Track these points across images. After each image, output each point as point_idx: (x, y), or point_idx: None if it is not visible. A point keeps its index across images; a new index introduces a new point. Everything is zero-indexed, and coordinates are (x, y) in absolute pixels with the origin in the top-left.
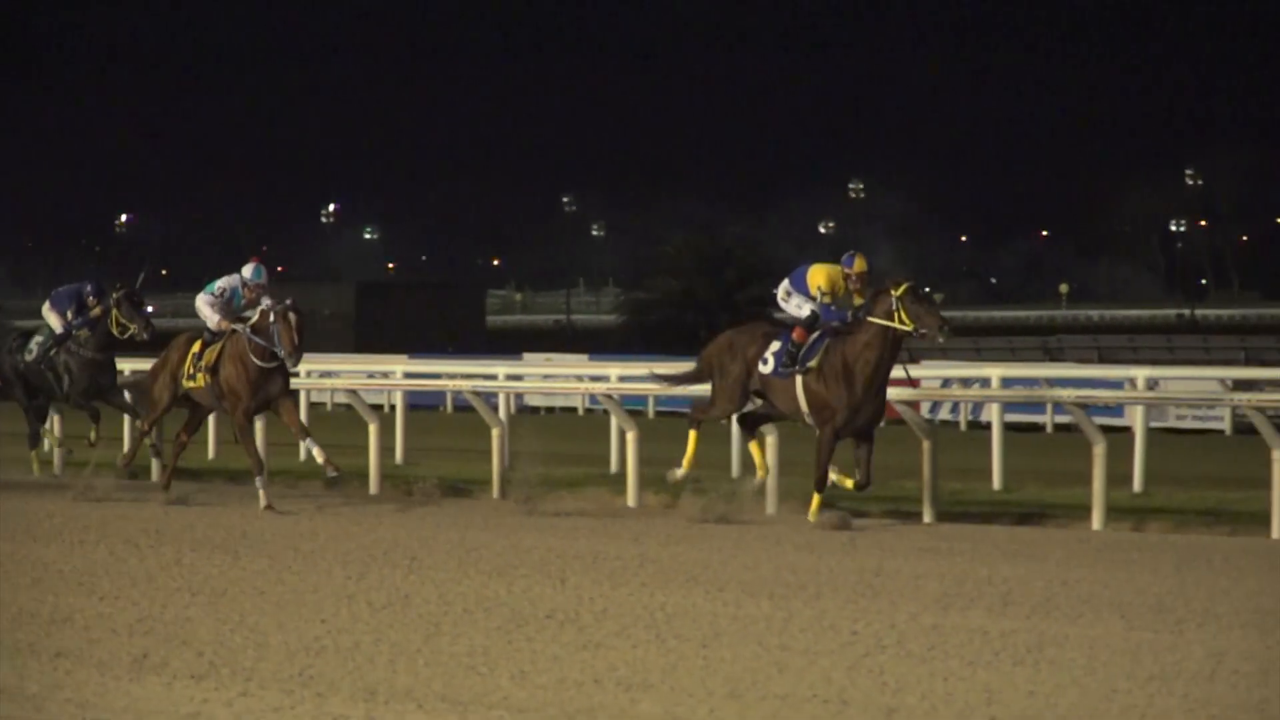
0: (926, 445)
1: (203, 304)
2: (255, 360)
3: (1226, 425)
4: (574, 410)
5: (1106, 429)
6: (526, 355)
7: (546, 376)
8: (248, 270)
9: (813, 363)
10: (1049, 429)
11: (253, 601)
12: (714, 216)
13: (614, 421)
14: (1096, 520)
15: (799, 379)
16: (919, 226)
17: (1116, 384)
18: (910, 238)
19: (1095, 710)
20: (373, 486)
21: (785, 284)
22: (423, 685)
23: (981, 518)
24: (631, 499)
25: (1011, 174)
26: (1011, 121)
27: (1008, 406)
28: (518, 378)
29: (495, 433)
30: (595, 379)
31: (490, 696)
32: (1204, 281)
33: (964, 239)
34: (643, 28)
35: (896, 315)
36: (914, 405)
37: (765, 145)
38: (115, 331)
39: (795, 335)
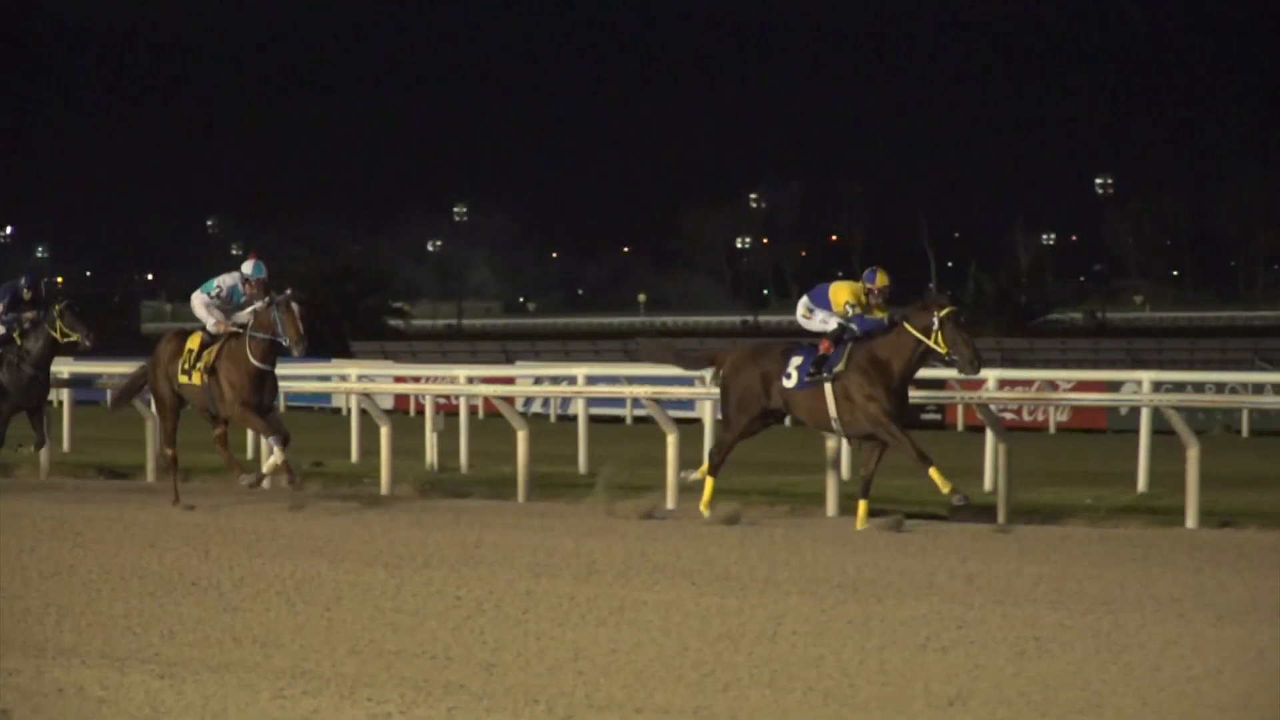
0: (521, 435)
1: (200, 304)
2: (255, 363)
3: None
4: None
5: (680, 421)
6: None
7: None
8: (248, 267)
9: (839, 367)
10: (629, 421)
11: None
12: (337, 237)
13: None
14: (670, 499)
15: (828, 387)
16: (516, 243)
17: (688, 381)
18: (508, 254)
19: (670, 665)
20: (43, 474)
21: (805, 302)
22: (85, 643)
23: (571, 498)
24: (267, 482)
25: (598, 196)
26: (595, 149)
27: (592, 400)
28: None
29: (149, 424)
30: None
31: (144, 653)
32: (766, 291)
33: (555, 255)
34: (264, 70)
35: (934, 335)
36: (509, 400)
37: (382, 174)
38: (59, 338)
39: (823, 347)
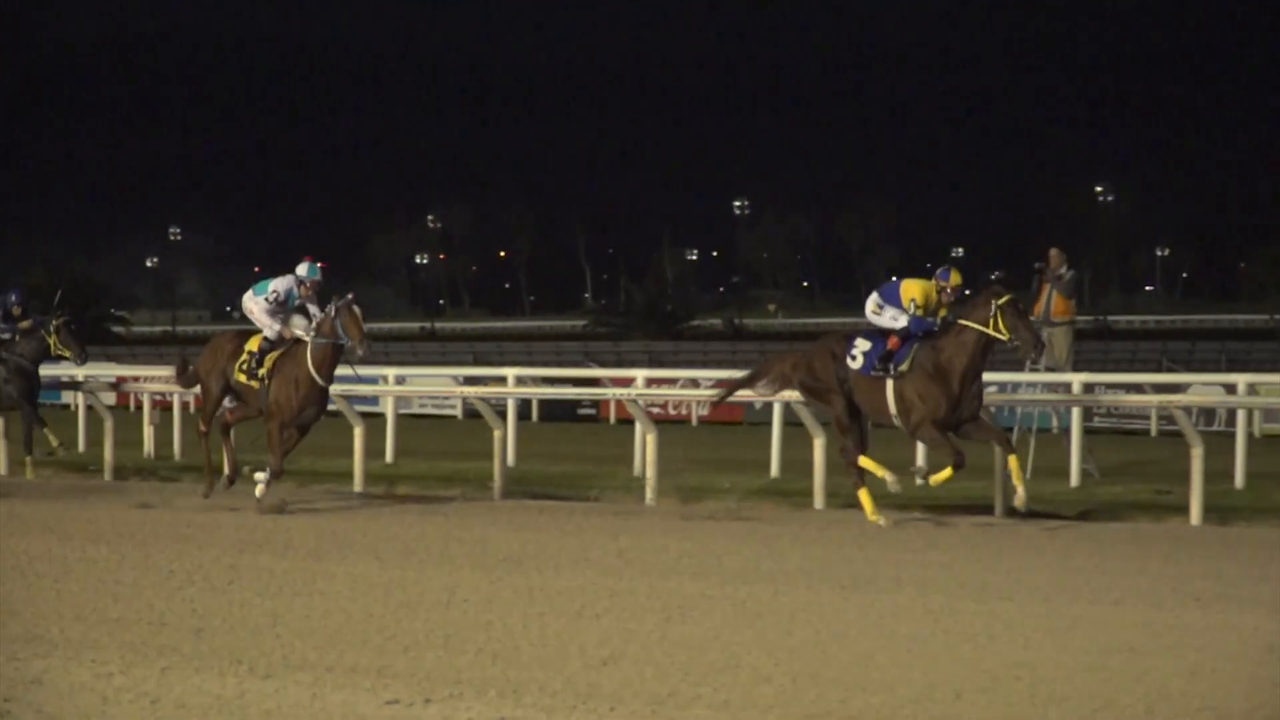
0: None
1: (259, 311)
2: (316, 377)
3: (458, 412)
4: None
5: (366, 415)
6: None
7: None
8: (303, 269)
9: (904, 366)
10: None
11: None
12: (63, 254)
13: None
14: (357, 483)
15: (890, 382)
16: (224, 260)
17: (374, 379)
18: (216, 269)
19: (357, 630)
20: None
21: (875, 298)
22: None
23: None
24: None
25: (294, 218)
26: (291, 175)
27: None
28: None
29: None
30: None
31: None
32: (442, 301)
33: (257, 269)
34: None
35: (993, 323)
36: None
37: (100, 198)
38: (52, 349)
39: (890, 344)
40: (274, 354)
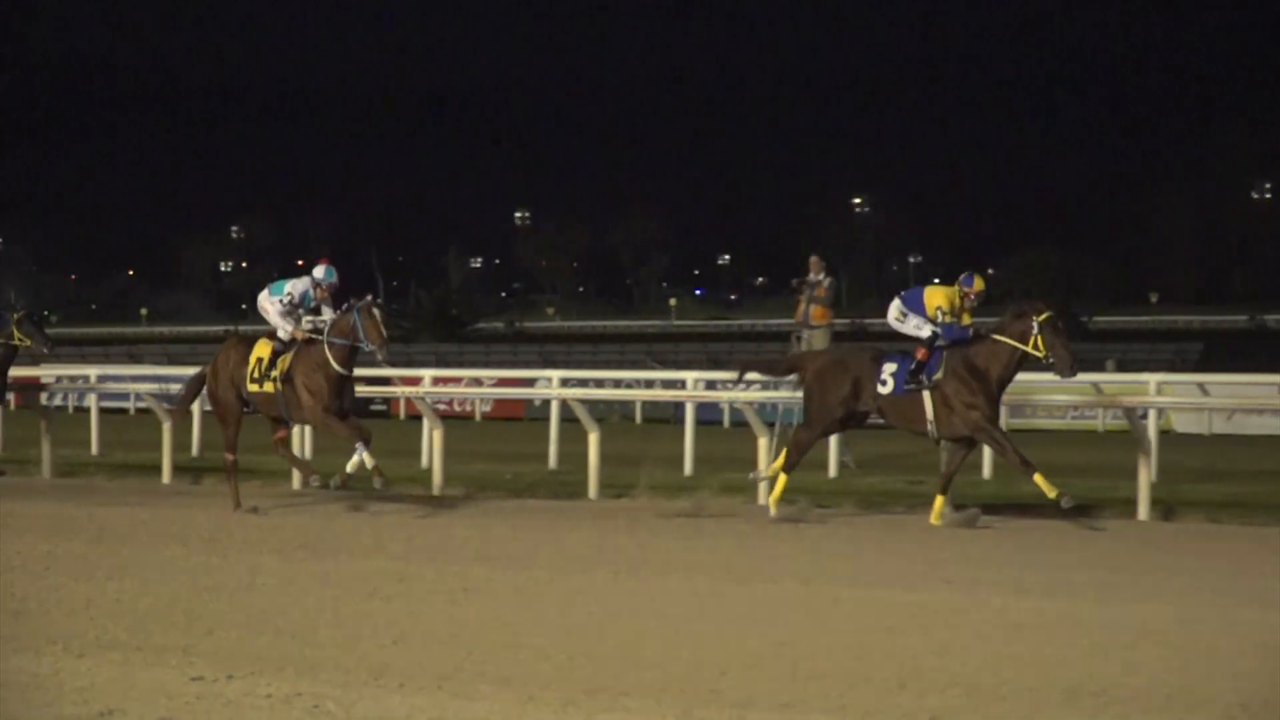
0: (44, 424)
1: (273, 311)
2: (337, 368)
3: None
4: None
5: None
6: None
7: None
8: (319, 271)
9: (937, 376)
10: (132, 411)
11: None
12: None
13: None
14: (166, 475)
15: (926, 394)
16: (42, 267)
17: (181, 379)
18: (35, 276)
19: (164, 612)
20: None
21: (898, 305)
22: None
23: (84, 475)
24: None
25: (109, 228)
26: (105, 189)
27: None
28: None
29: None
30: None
31: None
32: (244, 306)
33: (74, 276)
34: None
35: (1033, 340)
36: (37, 394)
37: None
38: (16, 344)
39: (919, 355)
40: (287, 355)
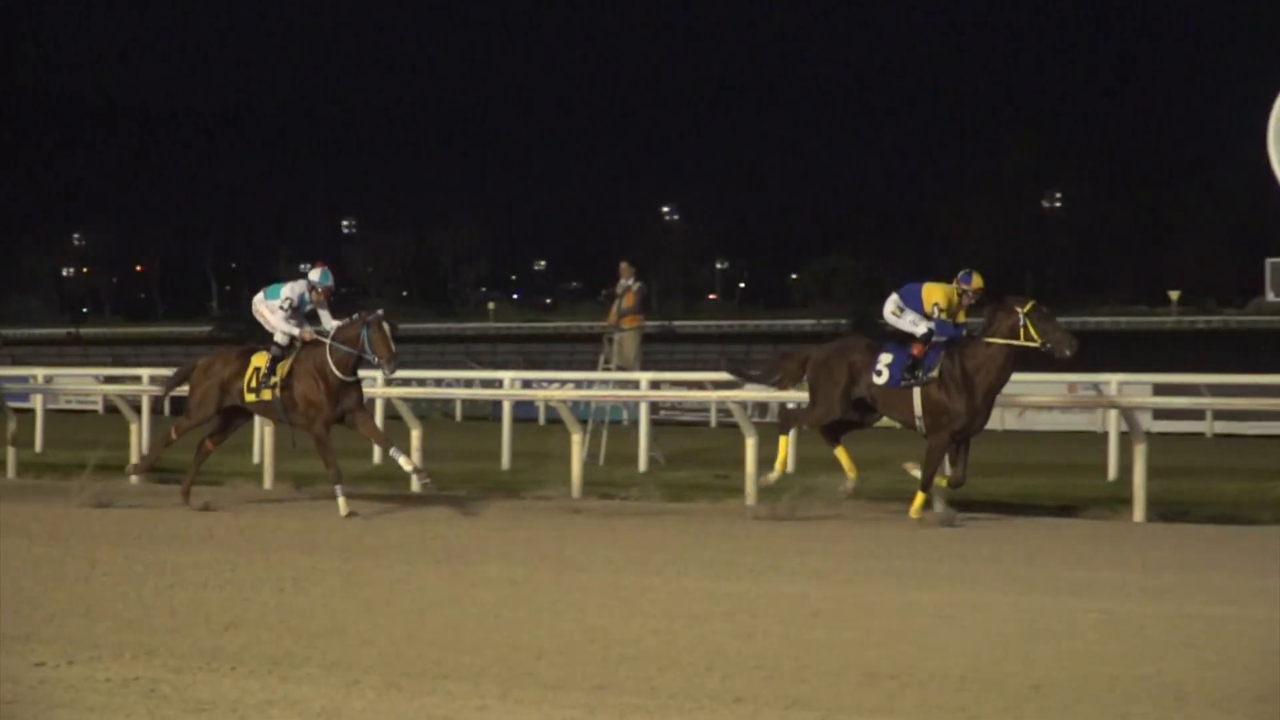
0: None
1: (272, 316)
2: (337, 373)
3: (100, 407)
4: None
5: (18, 410)
6: None
7: None
8: (315, 274)
9: (933, 373)
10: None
11: None
12: None
13: None
14: (11, 470)
15: (917, 391)
16: None
17: (25, 379)
18: None
19: (5, 601)
20: None
21: (895, 300)
22: None
23: None
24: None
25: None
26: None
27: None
28: None
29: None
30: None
31: None
32: (85, 310)
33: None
34: None
35: (1024, 332)
36: None
37: None
38: None
39: (915, 350)
40: (286, 361)
